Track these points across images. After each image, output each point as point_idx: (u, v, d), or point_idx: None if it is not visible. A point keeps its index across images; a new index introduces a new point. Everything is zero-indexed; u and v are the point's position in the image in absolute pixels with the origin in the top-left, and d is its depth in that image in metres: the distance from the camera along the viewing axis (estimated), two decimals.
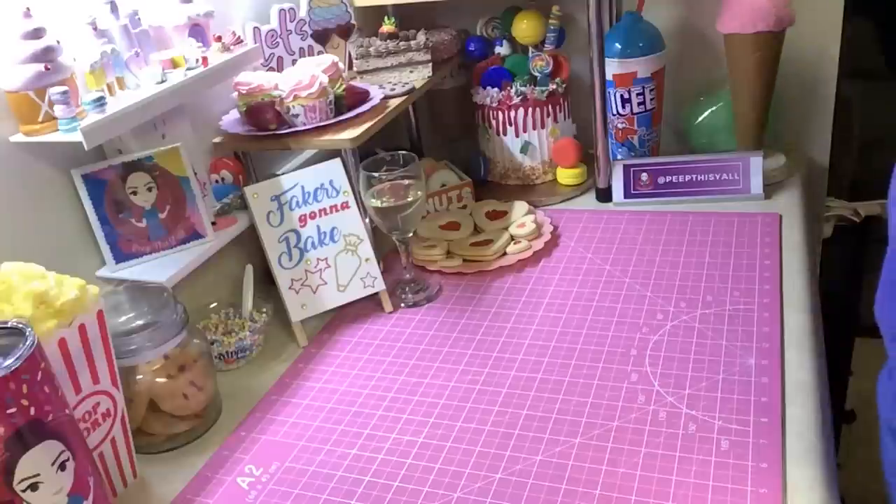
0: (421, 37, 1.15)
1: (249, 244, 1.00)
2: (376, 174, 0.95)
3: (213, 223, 0.94)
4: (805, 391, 0.75)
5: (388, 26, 1.16)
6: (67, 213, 0.84)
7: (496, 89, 1.22)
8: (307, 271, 0.96)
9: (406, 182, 0.96)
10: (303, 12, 1.12)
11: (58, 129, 0.76)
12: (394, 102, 1.06)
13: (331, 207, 0.98)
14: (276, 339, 0.96)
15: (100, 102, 0.77)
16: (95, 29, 0.81)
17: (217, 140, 1.02)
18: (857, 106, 1.37)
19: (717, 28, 1.10)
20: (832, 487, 0.65)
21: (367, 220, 1.00)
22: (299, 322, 0.95)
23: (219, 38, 0.95)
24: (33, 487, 0.58)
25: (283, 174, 0.99)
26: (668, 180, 1.15)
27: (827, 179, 1.29)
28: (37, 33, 0.75)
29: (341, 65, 1.03)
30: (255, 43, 1.04)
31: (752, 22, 1.05)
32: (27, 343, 0.58)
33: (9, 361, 0.56)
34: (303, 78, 0.96)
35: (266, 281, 0.99)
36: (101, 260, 0.87)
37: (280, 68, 1.09)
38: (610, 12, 1.22)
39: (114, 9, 0.84)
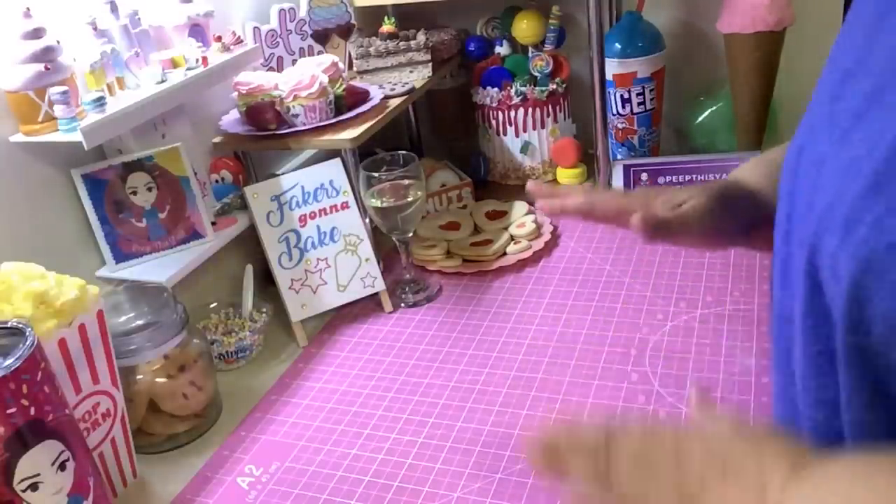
0: (421, 37, 1.15)
1: (249, 244, 1.00)
2: (376, 174, 0.95)
3: (213, 223, 0.94)
4: None
5: (388, 26, 1.16)
6: (67, 213, 0.84)
7: (496, 89, 1.22)
8: (307, 271, 0.96)
9: (406, 182, 0.96)
10: (303, 12, 1.12)
11: (58, 129, 0.76)
12: (394, 102, 1.06)
13: (331, 207, 0.98)
14: (276, 339, 0.96)
15: (100, 102, 0.77)
16: (95, 29, 0.81)
17: (217, 140, 1.02)
18: None
19: (717, 28, 1.10)
20: None
21: (367, 220, 1.00)
22: (299, 322, 0.95)
23: (219, 38, 0.95)
24: (33, 487, 0.58)
25: (283, 174, 0.99)
26: (668, 180, 1.15)
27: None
28: (37, 33, 0.75)
29: (341, 65, 1.03)
30: (255, 43, 1.04)
31: (752, 22, 1.05)
32: (27, 343, 0.58)
33: (9, 361, 0.56)
34: (303, 78, 0.96)
35: (266, 281, 0.99)
36: (101, 260, 0.87)
37: (280, 68, 1.09)
38: (610, 12, 1.22)
39: (114, 9, 0.84)
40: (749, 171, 0.72)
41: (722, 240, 0.68)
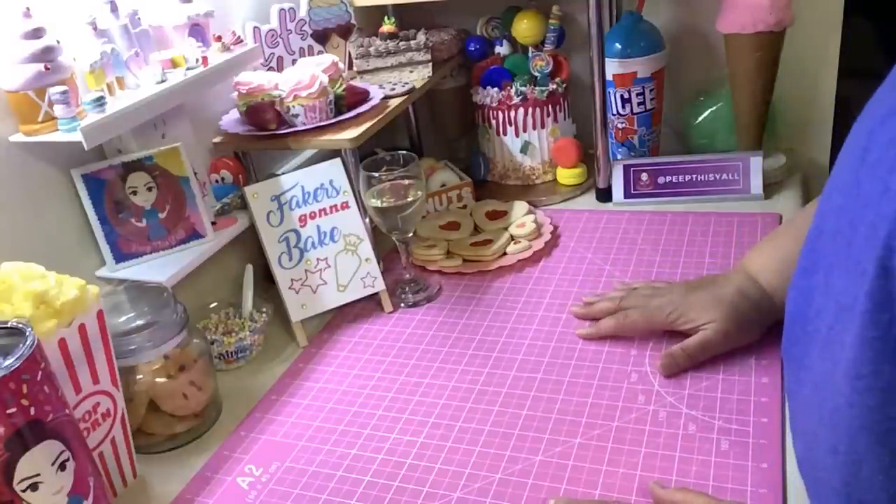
0: (421, 37, 1.15)
1: (249, 244, 1.00)
2: (376, 174, 0.95)
3: (213, 223, 0.94)
4: None
5: (388, 26, 1.16)
6: (67, 213, 0.84)
7: (496, 89, 1.22)
8: (307, 271, 0.96)
9: (406, 182, 0.96)
10: (303, 12, 1.12)
11: (58, 129, 0.76)
12: (394, 102, 1.06)
13: (331, 207, 0.98)
14: (276, 339, 0.96)
15: (100, 102, 0.77)
16: (95, 29, 0.81)
17: (217, 140, 1.02)
18: (856, 106, 1.37)
19: (717, 28, 1.10)
20: None
21: (367, 220, 1.00)
22: (299, 322, 0.95)
23: (219, 38, 0.95)
24: (33, 487, 0.58)
25: (283, 174, 0.99)
26: (668, 180, 1.15)
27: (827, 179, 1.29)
28: (37, 33, 0.75)
29: (341, 65, 1.03)
30: (255, 43, 1.04)
31: (752, 22, 1.05)
32: (27, 343, 0.58)
33: (9, 361, 0.56)
34: (303, 78, 0.96)
35: (266, 281, 0.99)
36: (101, 260, 0.87)
37: (280, 68, 1.09)
38: (610, 12, 1.22)
39: (114, 9, 0.84)
40: (763, 264, 0.82)
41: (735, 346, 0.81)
